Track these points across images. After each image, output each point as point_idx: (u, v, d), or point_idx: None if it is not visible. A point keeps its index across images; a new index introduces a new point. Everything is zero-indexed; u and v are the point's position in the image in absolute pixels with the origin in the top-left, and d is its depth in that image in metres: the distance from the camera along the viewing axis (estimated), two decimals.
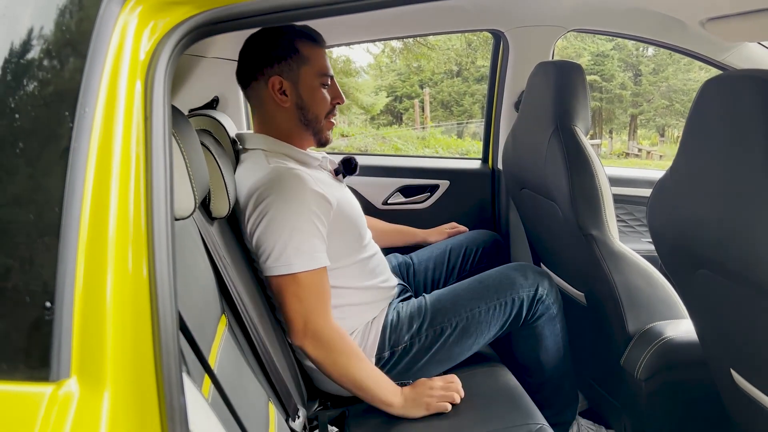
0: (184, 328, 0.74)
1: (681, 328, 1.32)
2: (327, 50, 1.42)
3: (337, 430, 1.25)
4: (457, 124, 17.29)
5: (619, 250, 1.37)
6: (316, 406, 1.36)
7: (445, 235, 1.86)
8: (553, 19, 1.91)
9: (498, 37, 2.03)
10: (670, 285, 1.37)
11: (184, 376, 0.62)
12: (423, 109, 17.41)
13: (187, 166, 0.84)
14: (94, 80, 0.55)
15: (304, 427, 1.17)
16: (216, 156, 1.11)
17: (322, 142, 1.42)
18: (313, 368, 1.35)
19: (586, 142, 1.39)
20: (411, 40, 10.94)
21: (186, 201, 0.85)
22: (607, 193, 1.37)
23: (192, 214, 0.87)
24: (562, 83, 1.42)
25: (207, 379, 0.80)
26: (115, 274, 0.53)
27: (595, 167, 1.36)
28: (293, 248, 1.20)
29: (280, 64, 1.32)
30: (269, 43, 1.33)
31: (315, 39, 1.36)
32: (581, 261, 1.45)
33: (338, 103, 1.40)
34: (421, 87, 18.54)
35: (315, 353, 1.22)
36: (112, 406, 0.51)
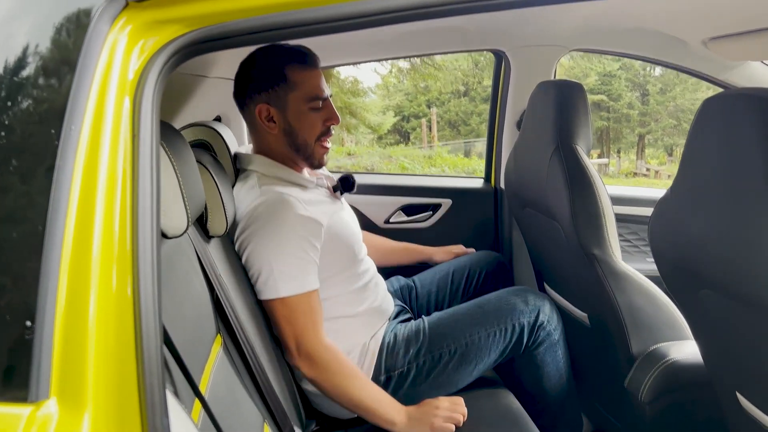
0: (174, 349, 0.73)
1: (685, 349, 1.30)
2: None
3: None
4: (464, 143, 17.34)
5: (621, 269, 1.36)
6: (314, 427, 1.34)
7: (451, 256, 1.83)
8: (554, 39, 1.92)
9: (499, 56, 2.03)
10: (674, 305, 1.35)
11: (173, 398, 0.60)
12: (430, 129, 17.49)
13: (180, 184, 0.84)
14: (81, 98, 0.55)
15: None
16: (214, 174, 1.11)
17: (315, 165, 1.39)
18: (310, 390, 1.33)
19: (587, 161, 1.38)
20: (418, 60, 11.01)
21: (178, 219, 0.84)
22: (608, 212, 1.35)
23: (185, 232, 0.87)
24: (563, 102, 1.41)
25: (197, 402, 0.79)
26: (99, 293, 0.53)
27: (597, 186, 1.34)
28: (279, 272, 1.20)
29: (267, 92, 1.30)
30: (257, 70, 1.32)
31: (306, 61, 1.32)
32: (584, 281, 1.43)
33: (332, 125, 1.36)
34: (429, 106, 18.65)
35: (311, 373, 1.22)
36: (92, 428, 0.50)
